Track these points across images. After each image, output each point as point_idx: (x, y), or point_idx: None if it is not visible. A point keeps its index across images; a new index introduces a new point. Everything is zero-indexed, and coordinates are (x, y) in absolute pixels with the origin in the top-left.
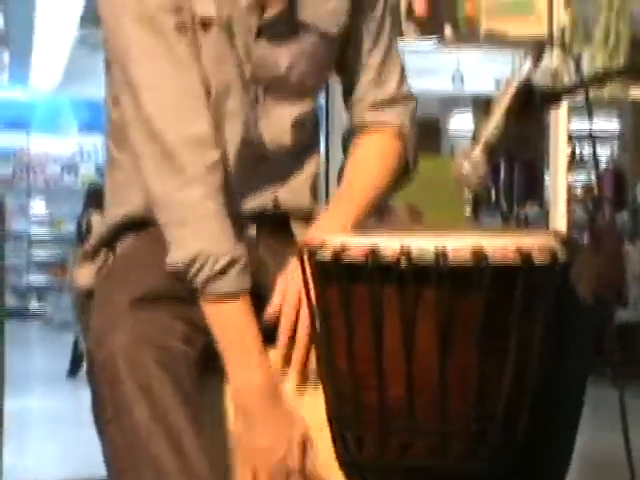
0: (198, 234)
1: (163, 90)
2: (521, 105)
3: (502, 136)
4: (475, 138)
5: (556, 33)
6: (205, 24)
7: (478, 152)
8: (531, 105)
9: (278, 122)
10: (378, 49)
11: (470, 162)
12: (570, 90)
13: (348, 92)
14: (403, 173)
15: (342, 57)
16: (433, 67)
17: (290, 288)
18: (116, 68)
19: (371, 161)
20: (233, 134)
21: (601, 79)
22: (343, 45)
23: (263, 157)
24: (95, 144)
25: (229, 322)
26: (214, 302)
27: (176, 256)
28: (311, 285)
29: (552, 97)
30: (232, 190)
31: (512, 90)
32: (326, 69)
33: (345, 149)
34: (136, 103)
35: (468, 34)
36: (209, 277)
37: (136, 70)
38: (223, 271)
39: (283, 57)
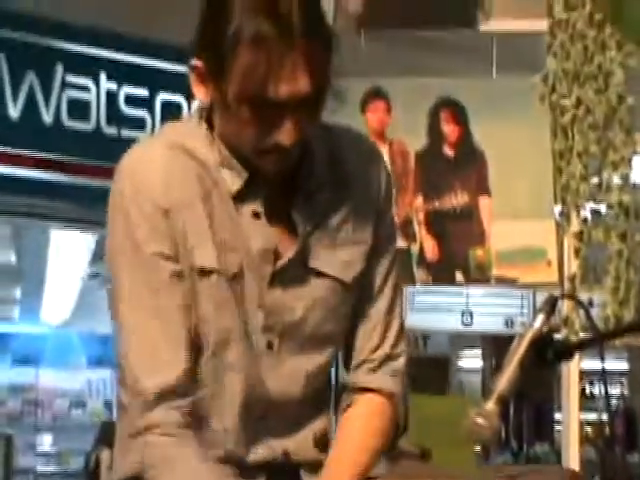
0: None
1: (142, 338)
2: (535, 358)
3: (516, 389)
4: (485, 383)
5: (566, 281)
6: (204, 272)
7: (491, 405)
8: (544, 357)
9: (291, 374)
10: (382, 303)
11: (483, 415)
12: (583, 344)
13: (346, 345)
14: (394, 435)
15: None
16: (442, 305)
17: None
18: (110, 304)
19: (363, 426)
20: (235, 384)
21: (614, 334)
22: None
23: (271, 407)
24: (104, 378)
25: None
26: None
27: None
28: None
29: (566, 351)
30: (237, 438)
31: (526, 344)
32: (343, 317)
33: (336, 406)
34: (120, 342)
35: (479, 279)
36: None
37: (122, 311)
38: None
39: (297, 303)
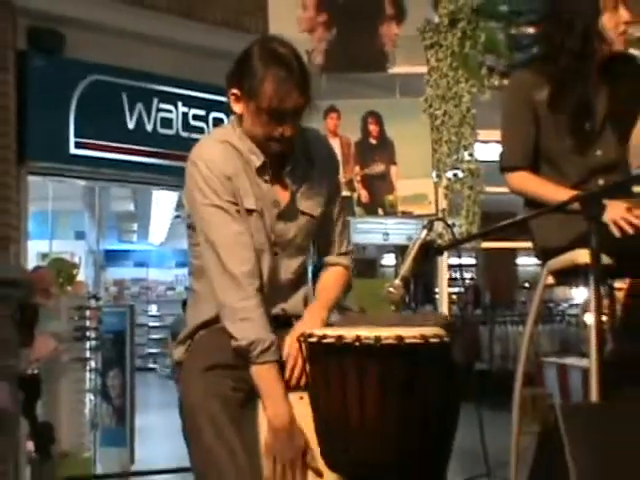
0: (255, 327)
1: (229, 245)
2: (422, 255)
3: (412, 272)
4: (396, 272)
5: (440, 213)
6: (249, 211)
7: (398, 282)
8: (428, 255)
9: (288, 267)
10: (339, 226)
11: (394, 287)
12: (449, 247)
13: (321, 249)
14: (347, 288)
15: (319, 229)
16: (372, 229)
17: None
18: (200, 232)
19: (332, 282)
20: (264, 273)
21: (465, 240)
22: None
23: (278, 285)
24: (184, 274)
25: (267, 376)
26: (261, 365)
27: (242, 340)
28: (307, 358)
29: (439, 251)
30: (268, 303)
31: (416, 247)
32: (313, 236)
33: (314, 277)
34: (214, 252)
35: (391, 212)
36: (262, 352)
37: (212, 234)
38: (268, 349)
39: (291, 230)
